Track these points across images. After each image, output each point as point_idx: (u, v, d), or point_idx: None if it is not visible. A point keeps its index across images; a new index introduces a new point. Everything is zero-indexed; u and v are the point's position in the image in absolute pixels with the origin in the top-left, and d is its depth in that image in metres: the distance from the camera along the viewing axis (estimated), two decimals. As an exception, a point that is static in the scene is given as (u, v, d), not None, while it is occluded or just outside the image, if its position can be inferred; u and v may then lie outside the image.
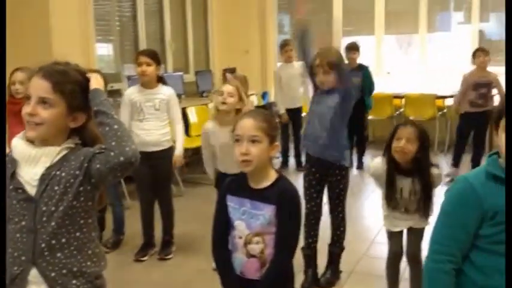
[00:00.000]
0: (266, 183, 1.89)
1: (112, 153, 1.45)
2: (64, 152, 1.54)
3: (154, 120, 3.58)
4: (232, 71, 6.16)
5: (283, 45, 5.98)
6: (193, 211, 4.54)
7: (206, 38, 7.54)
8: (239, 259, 1.92)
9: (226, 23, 7.55)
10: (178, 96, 6.15)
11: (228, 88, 3.24)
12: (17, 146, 1.54)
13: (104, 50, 6.09)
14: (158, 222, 3.79)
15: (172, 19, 6.81)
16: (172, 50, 6.84)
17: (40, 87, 1.48)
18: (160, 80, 3.65)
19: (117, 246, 3.85)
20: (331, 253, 3.29)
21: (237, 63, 7.00)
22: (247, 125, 1.86)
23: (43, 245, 1.51)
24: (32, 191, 1.51)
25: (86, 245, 1.55)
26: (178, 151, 3.65)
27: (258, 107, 6.87)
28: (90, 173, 1.49)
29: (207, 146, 3.30)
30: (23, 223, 1.52)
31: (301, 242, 3.12)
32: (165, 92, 3.61)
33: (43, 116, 1.48)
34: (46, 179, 1.51)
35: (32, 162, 1.52)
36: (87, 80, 1.57)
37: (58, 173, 1.51)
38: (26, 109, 1.48)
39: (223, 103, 3.21)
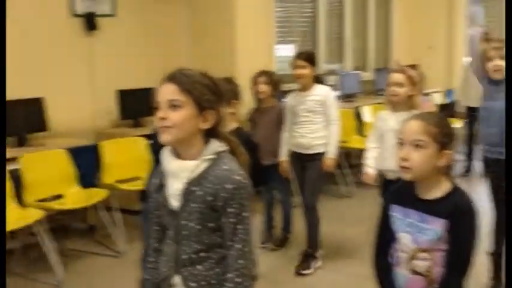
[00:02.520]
0: (437, 194, 1.70)
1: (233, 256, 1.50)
2: (203, 166, 1.52)
3: (307, 124, 3.53)
4: (414, 68, 5.81)
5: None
6: (361, 214, 4.38)
7: (387, 34, 7.25)
8: (402, 275, 1.76)
9: (410, 18, 7.19)
10: (352, 95, 6.13)
11: (395, 78, 3.02)
12: (163, 159, 1.57)
13: (284, 51, 6.21)
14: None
15: (353, 16, 6.69)
16: (352, 48, 6.72)
17: (167, 90, 1.49)
18: (318, 80, 3.59)
19: (284, 244, 3.88)
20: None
21: (420, 60, 6.61)
22: (413, 127, 1.69)
23: (184, 257, 1.55)
24: (174, 204, 1.55)
25: (225, 259, 1.53)
26: (330, 154, 3.51)
27: (442, 105, 6.44)
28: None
29: (374, 134, 3.15)
30: (170, 232, 1.58)
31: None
32: (321, 92, 3.53)
33: (173, 118, 1.47)
34: (186, 194, 1.52)
35: (174, 176, 1.54)
36: (214, 82, 1.55)
37: (196, 189, 1.51)
38: (158, 114, 1.49)
39: (394, 95, 3.02)
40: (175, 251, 1.56)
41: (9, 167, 3.53)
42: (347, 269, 3.52)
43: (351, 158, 5.85)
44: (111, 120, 4.78)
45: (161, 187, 1.58)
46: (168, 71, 1.54)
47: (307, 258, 3.55)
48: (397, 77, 3.02)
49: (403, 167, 1.68)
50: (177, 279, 1.57)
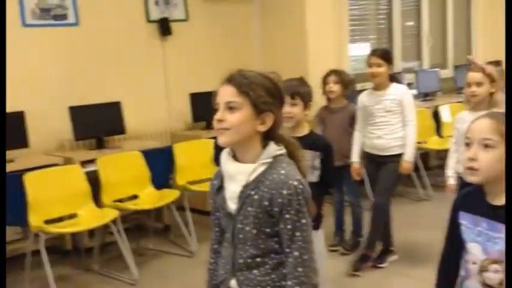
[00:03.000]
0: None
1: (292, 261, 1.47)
2: (260, 169, 1.49)
3: (384, 124, 3.41)
4: (498, 63, 5.47)
5: None
6: (440, 218, 4.14)
7: (468, 29, 6.89)
8: (473, 288, 1.63)
9: (493, 11, 6.77)
10: (431, 94, 5.88)
11: (473, 77, 2.85)
12: (222, 161, 1.56)
13: (359, 50, 6.07)
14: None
15: (430, 11, 6.43)
16: (430, 45, 6.46)
17: (225, 92, 1.49)
18: (393, 79, 3.46)
19: (355, 249, 3.76)
20: None
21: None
22: (481, 126, 1.57)
23: (240, 261, 1.53)
24: (232, 207, 1.53)
25: (282, 265, 1.51)
26: (407, 156, 3.38)
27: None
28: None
29: (455, 137, 2.98)
30: (228, 235, 1.58)
31: None
32: (397, 91, 3.41)
33: (230, 120, 1.47)
34: (243, 197, 1.50)
35: (232, 179, 1.53)
36: (274, 84, 1.52)
37: (253, 193, 1.49)
38: (215, 116, 1.49)
39: (473, 96, 2.85)
40: (232, 255, 1.55)
41: (88, 168, 3.72)
42: (419, 273, 3.35)
43: (428, 160, 5.62)
44: (185, 123, 4.90)
45: (220, 189, 1.58)
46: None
47: (361, 259, 3.49)
48: (475, 76, 2.86)
49: (470, 168, 1.56)
50: (233, 283, 1.56)
